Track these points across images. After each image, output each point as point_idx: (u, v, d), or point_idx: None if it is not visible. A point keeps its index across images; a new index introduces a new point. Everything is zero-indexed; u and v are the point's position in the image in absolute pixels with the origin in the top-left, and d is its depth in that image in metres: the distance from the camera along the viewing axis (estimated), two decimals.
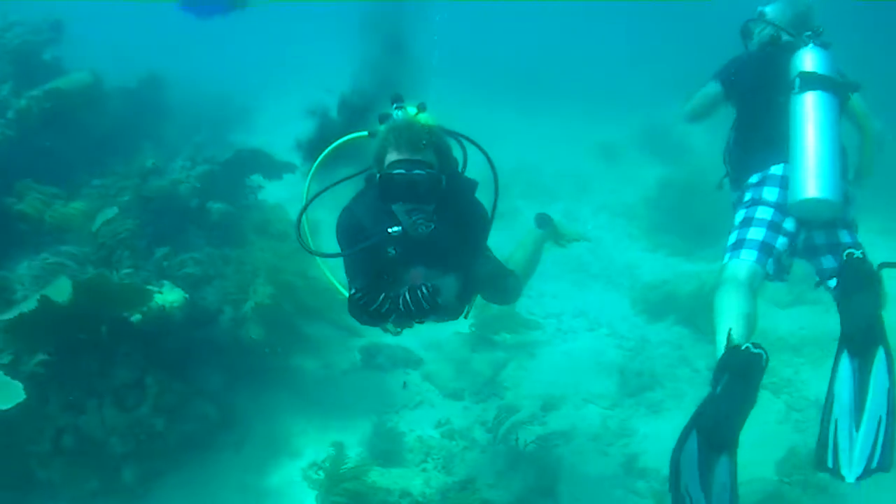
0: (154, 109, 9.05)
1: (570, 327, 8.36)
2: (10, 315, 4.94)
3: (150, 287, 5.44)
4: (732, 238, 4.20)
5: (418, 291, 3.51)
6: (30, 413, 5.26)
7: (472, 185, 3.96)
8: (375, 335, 6.83)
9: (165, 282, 5.73)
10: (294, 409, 6.52)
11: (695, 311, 8.01)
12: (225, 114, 11.59)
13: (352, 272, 3.86)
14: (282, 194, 8.16)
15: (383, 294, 3.54)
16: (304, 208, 4.04)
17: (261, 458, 6.03)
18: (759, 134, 4.39)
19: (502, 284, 4.36)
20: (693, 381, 7.25)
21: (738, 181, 4.48)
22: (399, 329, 4.29)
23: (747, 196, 4.28)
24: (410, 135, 3.54)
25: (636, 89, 16.31)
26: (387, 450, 6.07)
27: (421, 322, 3.96)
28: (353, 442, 6.15)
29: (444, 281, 3.81)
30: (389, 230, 3.57)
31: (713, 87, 4.74)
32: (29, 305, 4.90)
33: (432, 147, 3.57)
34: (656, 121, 14.14)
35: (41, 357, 5.37)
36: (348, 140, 4.12)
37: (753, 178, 4.29)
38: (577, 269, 9.72)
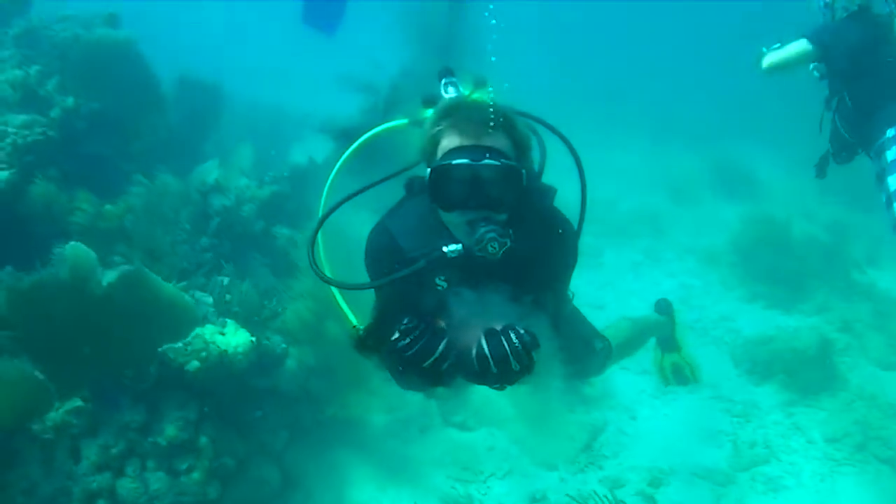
0: (214, 116, 8.17)
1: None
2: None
3: (209, 326, 4.51)
4: None
5: (504, 341, 2.17)
6: (54, 471, 4.38)
7: (550, 191, 2.80)
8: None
9: (229, 320, 4.78)
10: (364, 471, 5.71)
11: (805, 373, 7.30)
12: (286, 122, 10.70)
13: (384, 311, 2.52)
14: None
15: (444, 342, 2.20)
16: (320, 224, 2.80)
17: None
18: (879, 91, 4.52)
19: (586, 346, 3.35)
20: (809, 454, 6.50)
21: (867, 145, 4.60)
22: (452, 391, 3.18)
23: (893, 153, 4.33)
24: (475, 112, 2.41)
25: (706, 123, 15.53)
26: None
27: (501, 388, 2.49)
28: None
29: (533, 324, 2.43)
30: (444, 249, 2.38)
31: (805, 47, 4.74)
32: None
33: (506, 131, 2.43)
34: (729, 155, 13.41)
35: (75, 403, 4.48)
36: (382, 131, 3.09)
37: (890, 132, 4.37)
38: None
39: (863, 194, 11.22)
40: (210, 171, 5.93)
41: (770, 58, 4.85)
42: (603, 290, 8.96)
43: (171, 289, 4.30)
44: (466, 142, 2.37)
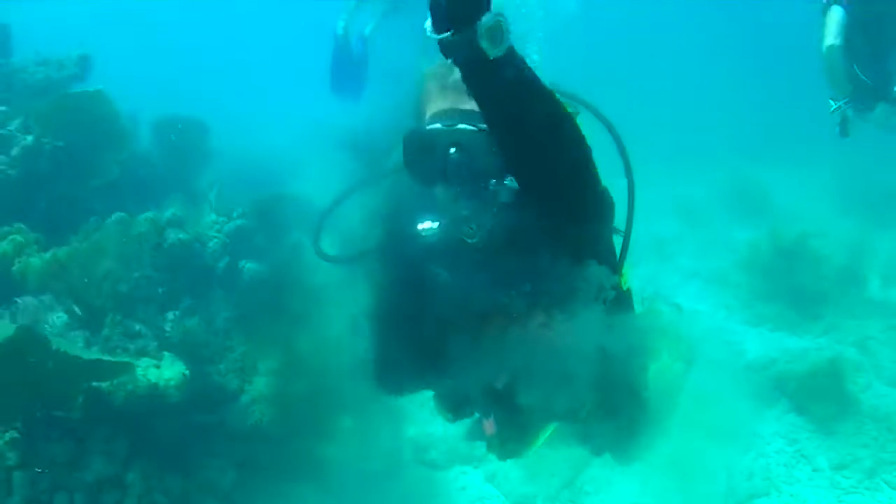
0: (195, 157, 8.11)
1: None
2: None
3: (145, 359, 4.36)
4: None
5: None
6: None
7: None
8: (426, 423, 5.65)
9: (166, 353, 4.65)
10: None
11: (811, 397, 7.03)
12: (276, 165, 10.62)
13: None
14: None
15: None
16: (333, 206, 2.58)
17: None
18: (890, 34, 5.00)
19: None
20: (814, 484, 6.22)
21: (885, 85, 5.05)
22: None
23: None
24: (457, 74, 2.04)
25: (715, 144, 15.39)
26: None
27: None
28: None
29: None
30: (419, 227, 2.15)
31: (838, 14, 5.13)
32: None
33: None
34: (740, 178, 13.22)
35: (11, 435, 4.34)
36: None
37: None
38: None
39: (880, 211, 10.97)
40: (170, 206, 5.87)
41: (827, 39, 5.22)
42: None
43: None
44: (444, 106, 2.13)
